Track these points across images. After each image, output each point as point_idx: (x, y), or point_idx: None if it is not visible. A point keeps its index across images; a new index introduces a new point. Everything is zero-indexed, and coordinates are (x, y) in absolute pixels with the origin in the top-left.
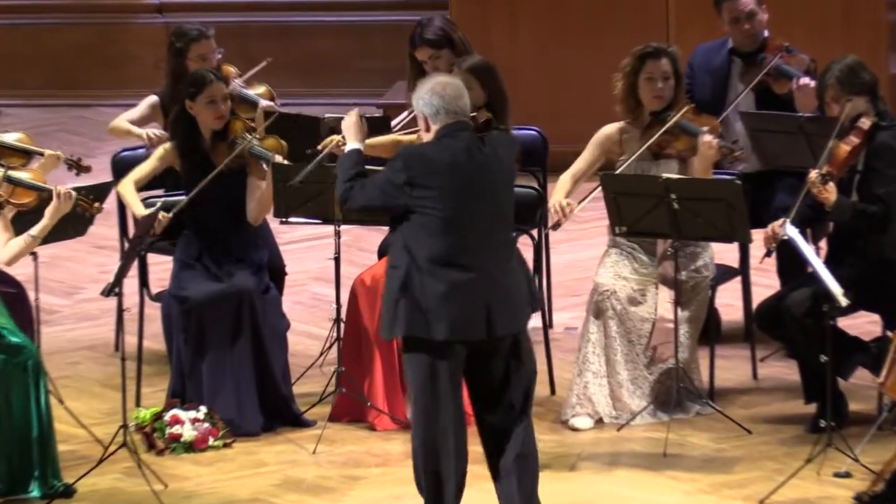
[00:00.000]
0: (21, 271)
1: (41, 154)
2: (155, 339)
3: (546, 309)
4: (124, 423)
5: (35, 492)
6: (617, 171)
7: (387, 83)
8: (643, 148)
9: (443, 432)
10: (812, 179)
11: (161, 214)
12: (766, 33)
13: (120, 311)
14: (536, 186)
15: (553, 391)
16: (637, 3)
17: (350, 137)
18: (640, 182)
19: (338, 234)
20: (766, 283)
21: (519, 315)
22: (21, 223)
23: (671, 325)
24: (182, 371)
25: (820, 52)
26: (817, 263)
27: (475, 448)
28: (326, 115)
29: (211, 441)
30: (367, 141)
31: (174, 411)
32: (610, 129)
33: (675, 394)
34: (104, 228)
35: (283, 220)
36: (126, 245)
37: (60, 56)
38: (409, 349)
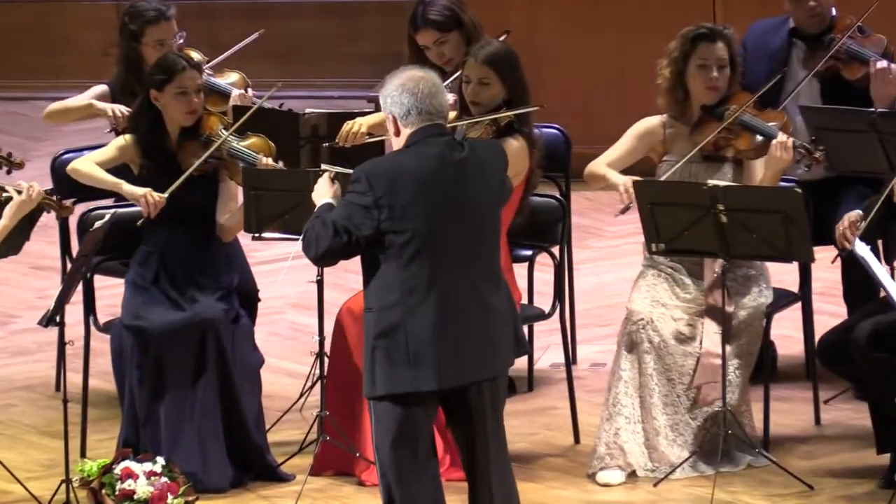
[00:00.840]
0: None
1: None
2: (103, 378)
3: (568, 342)
4: (67, 478)
5: None
6: (663, 176)
7: (378, 72)
8: (698, 148)
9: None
10: None
11: (157, 195)
12: (833, 11)
13: (62, 344)
14: (558, 196)
15: (577, 439)
16: None
17: (320, 199)
18: (682, 190)
19: None
20: (830, 310)
21: (495, 359)
22: None
23: (718, 361)
24: (136, 416)
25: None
26: (892, 287)
27: None
28: (307, 111)
29: (170, 499)
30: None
31: (126, 463)
32: (651, 121)
33: (722, 442)
34: (42, 245)
35: (256, 235)
36: (69, 265)
37: None
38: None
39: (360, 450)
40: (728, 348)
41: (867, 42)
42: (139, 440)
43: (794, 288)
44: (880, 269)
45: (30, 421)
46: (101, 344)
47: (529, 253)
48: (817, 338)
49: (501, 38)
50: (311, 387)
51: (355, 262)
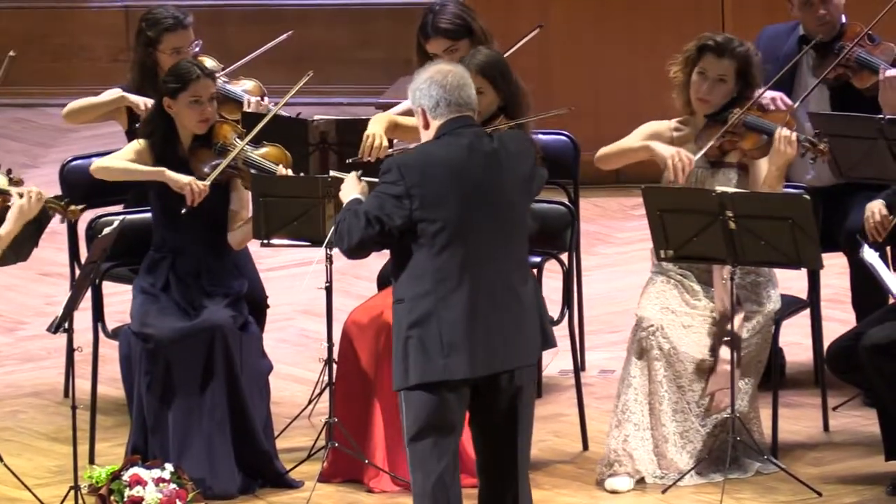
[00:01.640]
0: None
1: None
2: (112, 384)
3: (578, 348)
4: (75, 485)
5: None
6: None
7: (389, 79)
8: (702, 152)
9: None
10: None
11: (201, 184)
12: (843, 19)
13: (70, 350)
14: (566, 202)
15: (586, 446)
16: None
17: (348, 196)
18: (690, 197)
19: (329, 260)
20: (839, 317)
21: (527, 348)
22: None
23: (728, 368)
24: (144, 422)
25: None
26: None
27: None
28: (316, 117)
29: None
30: (399, 120)
31: (135, 470)
32: (660, 125)
33: (730, 449)
34: (51, 251)
35: (264, 242)
36: (78, 271)
37: None
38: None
39: (369, 457)
40: (736, 355)
41: (877, 50)
42: (148, 447)
43: (803, 295)
44: (889, 276)
45: (38, 427)
46: (110, 350)
47: (538, 259)
48: (826, 344)
49: (534, 33)
50: (320, 393)
51: (364, 269)
